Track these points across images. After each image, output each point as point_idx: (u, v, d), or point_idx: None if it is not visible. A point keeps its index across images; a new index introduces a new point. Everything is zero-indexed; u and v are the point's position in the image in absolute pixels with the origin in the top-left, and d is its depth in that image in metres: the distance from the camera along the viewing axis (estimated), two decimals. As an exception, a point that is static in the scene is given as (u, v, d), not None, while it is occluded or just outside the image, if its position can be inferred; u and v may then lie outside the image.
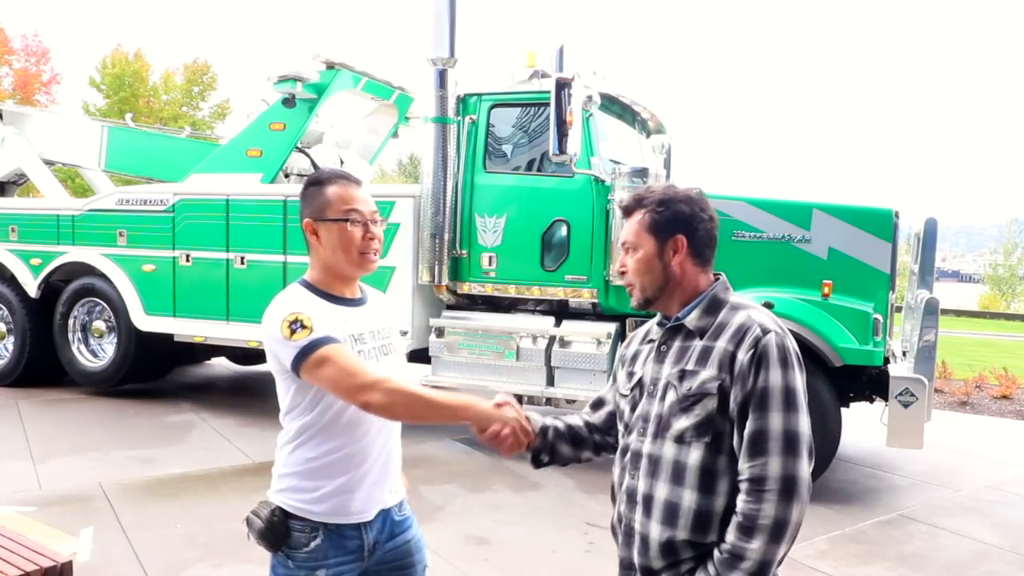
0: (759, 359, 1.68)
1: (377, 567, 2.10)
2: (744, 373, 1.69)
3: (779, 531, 1.62)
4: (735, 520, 1.66)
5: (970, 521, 5.27)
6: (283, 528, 1.97)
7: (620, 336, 6.24)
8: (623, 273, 1.88)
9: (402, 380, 1.94)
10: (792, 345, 1.73)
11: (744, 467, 1.67)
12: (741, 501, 1.66)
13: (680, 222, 1.80)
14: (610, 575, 1.95)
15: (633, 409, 1.90)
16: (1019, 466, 6.82)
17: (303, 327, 1.89)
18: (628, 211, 1.87)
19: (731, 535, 1.66)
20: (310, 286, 2.05)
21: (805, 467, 1.66)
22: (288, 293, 2.04)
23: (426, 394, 1.94)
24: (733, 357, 1.71)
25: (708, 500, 1.71)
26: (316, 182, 2.07)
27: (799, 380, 1.71)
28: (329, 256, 2.03)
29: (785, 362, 1.69)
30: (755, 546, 1.62)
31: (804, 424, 1.68)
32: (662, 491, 1.76)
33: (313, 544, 1.97)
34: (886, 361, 5.58)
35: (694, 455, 1.73)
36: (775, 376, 1.68)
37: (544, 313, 6.62)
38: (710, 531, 1.71)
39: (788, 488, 1.63)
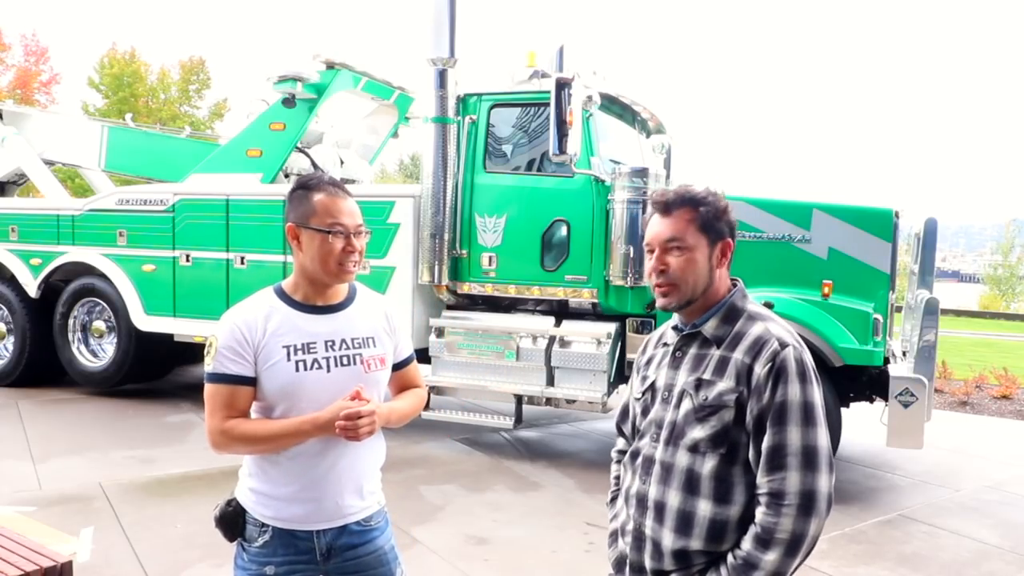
0: (777, 373, 1.68)
1: (338, 575, 2.05)
2: (761, 387, 1.69)
3: (796, 545, 1.63)
4: (753, 530, 1.66)
5: (970, 521, 5.27)
6: (235, 520, 2.03)
7: (620, 336, 6.25)
8: (663, 271, 1.78)
9: (246, 424, 1.94)
10: (809, 359, 1.73)
11: (763, 481, 1.67)
12: (760, 513, 1.66)
13: (731, 226, 1.81)
14: None
15: (645, 413, 1.89)
16: (1019, 466, 6.82)
17: (209, 353, 1.97)
18: (671, 207, 1.78)
19: (747, 543, 1.66)
20: (280, 291, 2.06)
21: (824, 481, 1.65)
22: (252, 296, 2.06)
23: (264, 431, 1.94)
24: (750, 370, 1.70)
25: (723, 510, 1.71)
26: (304, 186, 2.03)
27: (817, 395, 1.70)
28: (307, 263, 2.01)
29: (803, 376, 1.69)
30: (770, 558, 1.63)
31: (823, 438, 1.68)
32: (675, 499, 1.75)
33: (263, 540, 2.00)
34: (886, 361, 5.58)
35: (708, 465, 1.72)
36: (793, 391, 1.67)
37: (544, 313, 6.61)
38: (724, 540, 1.71)
39: (807, 503, 1.63)
